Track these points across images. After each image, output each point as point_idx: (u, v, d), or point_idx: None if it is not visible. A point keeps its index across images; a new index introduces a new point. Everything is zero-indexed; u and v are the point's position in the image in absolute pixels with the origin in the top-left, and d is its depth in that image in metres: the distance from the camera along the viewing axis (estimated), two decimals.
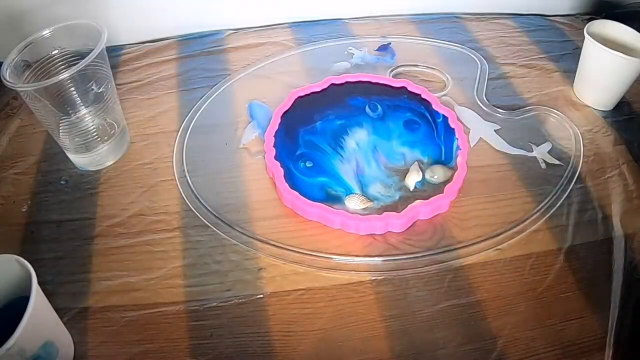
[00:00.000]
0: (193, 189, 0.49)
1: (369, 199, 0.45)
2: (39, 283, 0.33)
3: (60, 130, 0.49)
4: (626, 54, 0.50)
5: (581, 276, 0.42)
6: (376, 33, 0.67)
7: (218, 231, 0.45)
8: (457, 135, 0.50)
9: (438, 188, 0.46)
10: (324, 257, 0.43)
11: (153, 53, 0.65)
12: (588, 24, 0.54)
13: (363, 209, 0.45)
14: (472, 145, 0.52)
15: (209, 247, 0.44)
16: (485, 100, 0.57)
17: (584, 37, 0.54)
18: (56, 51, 0.48)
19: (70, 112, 0.49)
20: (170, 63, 0.64)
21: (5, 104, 0.59)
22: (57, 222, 0.47)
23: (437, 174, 0.47)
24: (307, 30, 0.68)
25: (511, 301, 0.40)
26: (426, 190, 0.46)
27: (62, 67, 0.48)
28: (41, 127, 0.54)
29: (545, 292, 0.41)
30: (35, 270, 0.33)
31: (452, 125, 0.51)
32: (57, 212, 0.47)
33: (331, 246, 0.44)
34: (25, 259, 0.34)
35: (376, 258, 0.43)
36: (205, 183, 0.49)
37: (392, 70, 0.61)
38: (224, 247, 0.44)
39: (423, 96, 0.54)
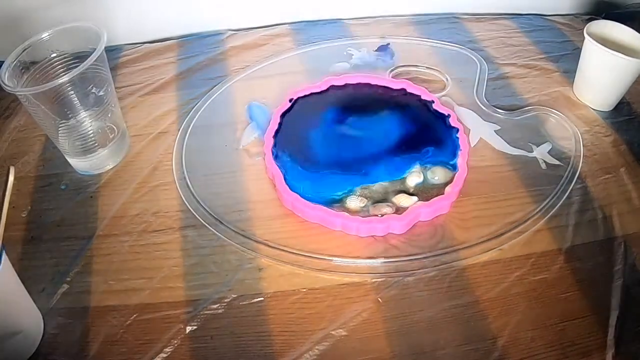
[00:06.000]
0: (193, 190, 0.49)
1: (367, 197, 0.46)
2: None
3: (60, 134, 0.49)
4: (626, 55, 0.50)
5: (581, 276, 0.42)
6: (376, 33, 0.67)
7: (218, 232, 0.45)
8: (457, 136, 0.50)
9: (438, 189, 0.46)
10: (324, 258, 0.43)
11: (152, 54, 0.65)
12: (588, 24, 0.54)
13: (363, 206, 0.45)
14: (472, 146, 0.52)
15: (208, 248, 0.44)
16: (485, 101, 0.57)
17: (583, 38, 0.53)
18: (55, 54, 0.48)
19: (69, 115, 0.48)
20: (170, 64, 0.64)
21: (4, 107, 0.59)
22: (57, 224, 0.47)
23: (437, 175, 0.47)
24: (307, 30, 0.68)
25: (511, 301, 0.40)
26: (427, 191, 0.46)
27: (62, 70, 0.48)
28: (41, 130, 0.54)
29: (545, 292, 0.41)
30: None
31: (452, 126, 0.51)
32: (57, 215, 0.47)
33: (332, 247, 0.44)
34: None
35: (377, 259, 0.43)
36: (205, 184, 0.49)
37: (391, 71, 0.61)
38: (224, 248, 0.44)
39: (423, 97, 0.54)
